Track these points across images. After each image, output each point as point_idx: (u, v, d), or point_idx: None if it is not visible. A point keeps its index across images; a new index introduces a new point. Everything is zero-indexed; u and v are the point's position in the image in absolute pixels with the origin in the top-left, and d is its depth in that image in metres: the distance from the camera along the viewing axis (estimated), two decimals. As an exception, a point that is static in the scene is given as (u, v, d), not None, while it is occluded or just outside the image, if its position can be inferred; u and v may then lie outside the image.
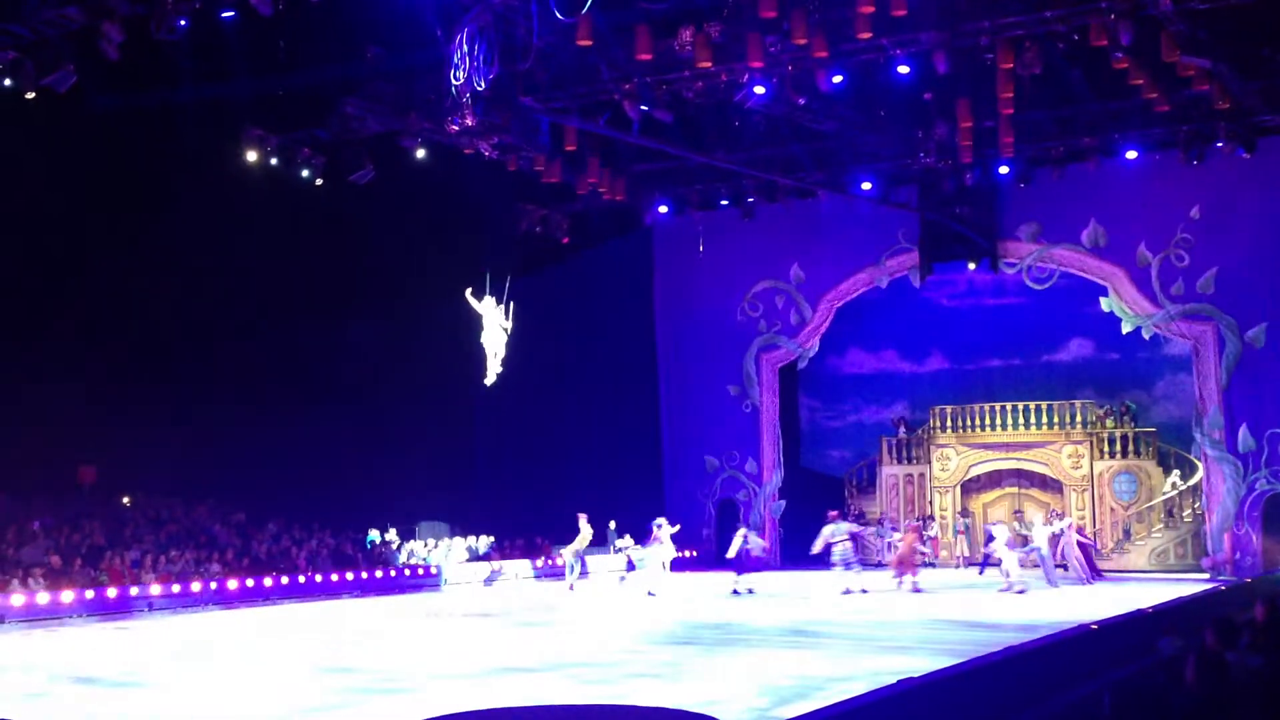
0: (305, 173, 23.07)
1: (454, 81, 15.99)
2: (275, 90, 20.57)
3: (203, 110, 21.04)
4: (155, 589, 20.61)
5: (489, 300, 20.11)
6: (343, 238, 26.36)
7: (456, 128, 20.33)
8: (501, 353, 20.11)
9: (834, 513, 23.26)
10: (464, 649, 15.08)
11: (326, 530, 25.90)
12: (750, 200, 27.95)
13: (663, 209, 28.92)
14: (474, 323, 32.99)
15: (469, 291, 20.13)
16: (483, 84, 15.88)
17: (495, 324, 20.10)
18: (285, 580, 22.43)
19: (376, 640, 16.43)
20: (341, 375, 28.65)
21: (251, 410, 26.78)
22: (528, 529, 29.34)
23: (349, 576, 23.54)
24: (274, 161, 22.72)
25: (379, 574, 24.19)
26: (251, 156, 22.43)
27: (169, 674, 13.30)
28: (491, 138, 21.73)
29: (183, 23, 17.24)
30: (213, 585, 21.38)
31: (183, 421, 25.44)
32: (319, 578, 23.05)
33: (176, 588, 20.87)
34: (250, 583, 21.87)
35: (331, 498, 26.97)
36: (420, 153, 22.71)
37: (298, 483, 26.88)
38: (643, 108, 20.75)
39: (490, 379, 20.16)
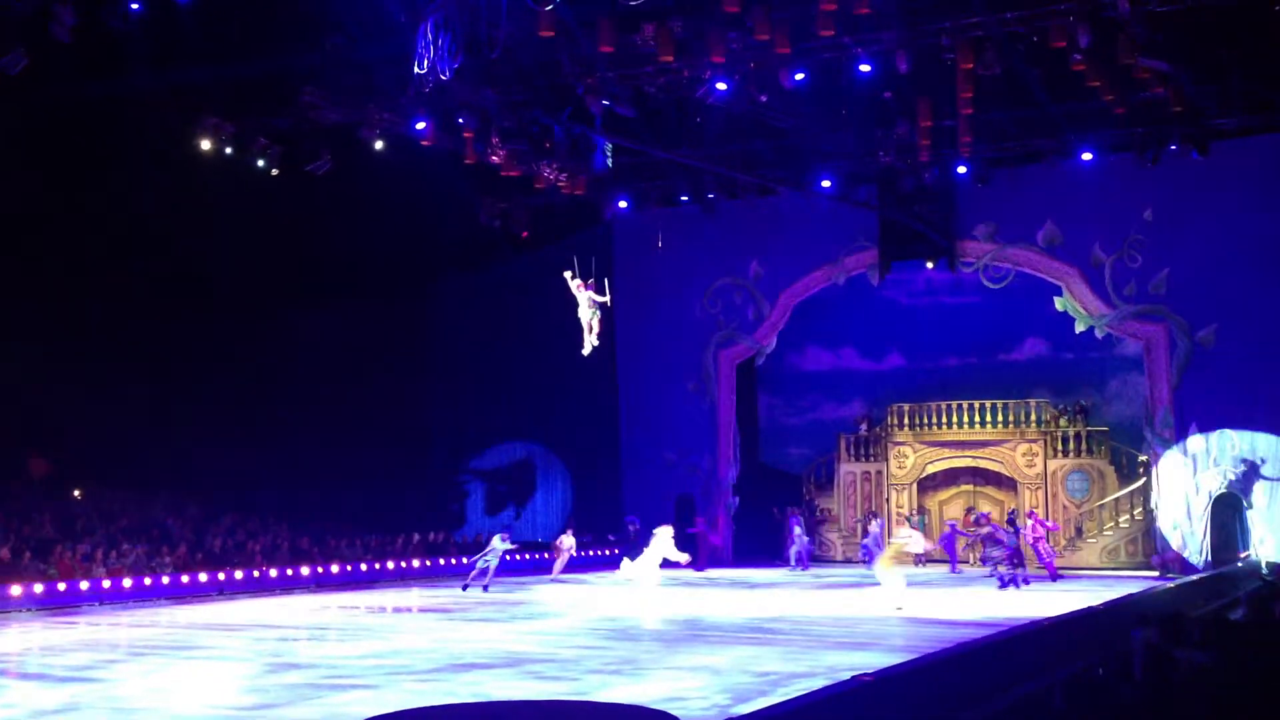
0: (261, 162, 22.82)
1: (418, 71, 15.88)
2: (232, 78, 20.32)
3: (158, 96, 20.73)
4: (106, 583, 20.32)
5: (577, 280, 21.05)
6: (300, 228, 26.11)
7: (496, 158, 21.17)
8: (597, 327, 21.16)
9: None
10: (420, 644, 14.98)
11: (283, 524, 25.65)
12: (711, 197, 27.96)
13: (623, 204, 28.88)
14: (432, 314, 33.07)
15: (567, 273, 20.96)
16: (446, 74, 15.78)
17: (588, 300, 21.04)
18: (239, 575, 22.18)
19: (331, 636, 16.29)
20: (298, 367, 28.41)
21: (207, 403, 26.49)
22: (489, 530, 29.28)
23: (305, 571, 23.31)
24: (229, 150, 22.46)
25: (335, 569, 23.99)
26: (206, 145, 22.16)
27: (119, 669, 13.11)
28: (552, 162, 21.89)
29: (135, 6, 16.97)
30: (165, 580, 21.11)
31: (136, 414, 25.09)
32: (274, 573, 22.81)
33: (128, 582, 20.58)
34: (204, 577, 21.61)
35: (289, 491, 26.73)
36: (379, 144, 22.53)
37: (254, 476, 26.63)
38: (605, 102, 20.70)
39: (586, 350, 21.24)
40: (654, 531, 19.96)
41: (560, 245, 31.12)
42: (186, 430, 25.91)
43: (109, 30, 17.10)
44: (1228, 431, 24.86)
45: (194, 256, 25.33)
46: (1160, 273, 25.67)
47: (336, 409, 29.18)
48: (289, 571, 23.05)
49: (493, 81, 20.78)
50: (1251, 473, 24.69)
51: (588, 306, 20.94)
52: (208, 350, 26.66)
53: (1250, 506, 24.58)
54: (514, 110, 20.78)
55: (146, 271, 25.39)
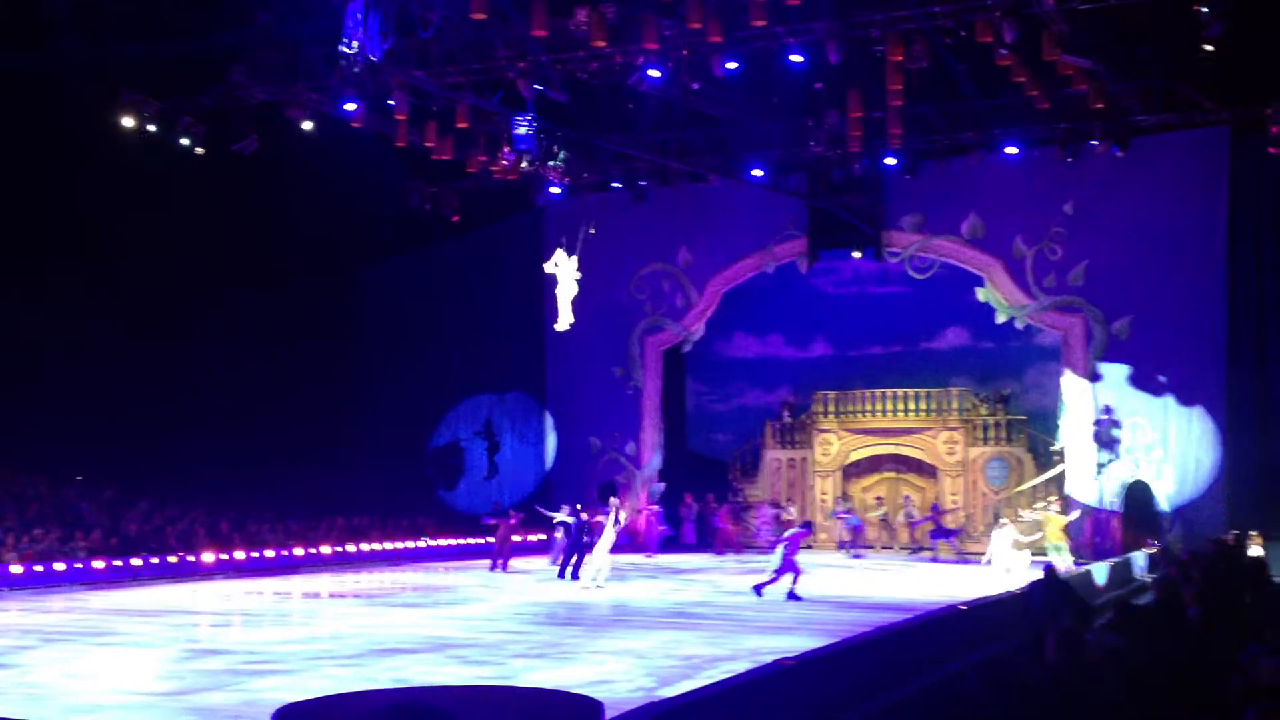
0: (186, 141, 22.35)
1: (347, 51, 15.67)
2: (156, 54, 19.85)
3: (79, 71, 20.21)
4: (17, 569, 19.82)
5: (561, 254, 21.87)
6: (226, 209, 25.64)
7: (507, 163, 21.59)
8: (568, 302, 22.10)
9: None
10: (341, 630, 14.86)
11: (201, 508, 25.21)
12: (642, 183, 27.99)
13: (554, 189, 28.76)
14: (360, 297, 32.71)
15: (560, 251, 21.87)
16: (377, 55, 15.61)
17: (569, 277, 21.92)
18: (156, 560, 21.76)
19: (250, 621, 16.09)
20: (221, 350, 27.93)
21: (124, 385, 25.94)
22: (414, 512, 29.07)
23: (224, 557, 22.94)
24: (153, 128, 21.97)
25: (255, 554, 23.64)
26: (129, 122, 21.64)
27: (33, 655, 12.83)
28: (558, 167, 21.96)
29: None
30: (78, 565, 20.65)
31: (49, 395, 24.49)
32: (192, 558, 22.42)
33: (39, 567, 20.10)
34: (118, 563, 21.17)
35: (208, 476, 26.27)
36: (307, 124, 22.19)
37: (172, 460, 26.13)
38: (537, 87, 20.60)
39: (562, 326, 22.12)
40: (1000, 523, 21.72)
41: (492, 229, 31.08)
42: (102, 413, 25.35)
43: (31, 2, 16.61)
44: (1139, 420, 25.52)
45: (114, 236, 24.76)
46: (1079, 265, 26.23)
47: (260, 392, 28.74)
48: (207, 557, 22.65)
49: (424, 63, 20.58)
50: (1108, 424, 25.51)
51: (569, 281, 21.71)
52: (126, 331, 26.09)
53: (1111, 453, 25.37)
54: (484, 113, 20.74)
55: (64, 250, 24.76)
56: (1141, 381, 25.53)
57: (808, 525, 21.26)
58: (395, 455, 31.31)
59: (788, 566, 18.15)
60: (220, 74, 21.02)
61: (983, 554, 24.88)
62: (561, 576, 21.17)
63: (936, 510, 27.44)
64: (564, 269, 21.85)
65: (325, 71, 20.29)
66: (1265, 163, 24.18)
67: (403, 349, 32.15)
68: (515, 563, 23.84)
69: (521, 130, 19.29)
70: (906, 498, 28.41)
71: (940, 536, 26.76)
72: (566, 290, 22.10)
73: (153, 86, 21.54)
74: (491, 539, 24.12)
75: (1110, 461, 25.65)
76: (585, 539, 21.18)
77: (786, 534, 19.27)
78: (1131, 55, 21.25)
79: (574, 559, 21.27)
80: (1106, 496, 25.70)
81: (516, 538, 23.49)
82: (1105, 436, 25.73)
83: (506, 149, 21.25)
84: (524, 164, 21.24)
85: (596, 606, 17.71)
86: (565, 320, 22.05)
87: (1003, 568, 21.66)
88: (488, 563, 23.82)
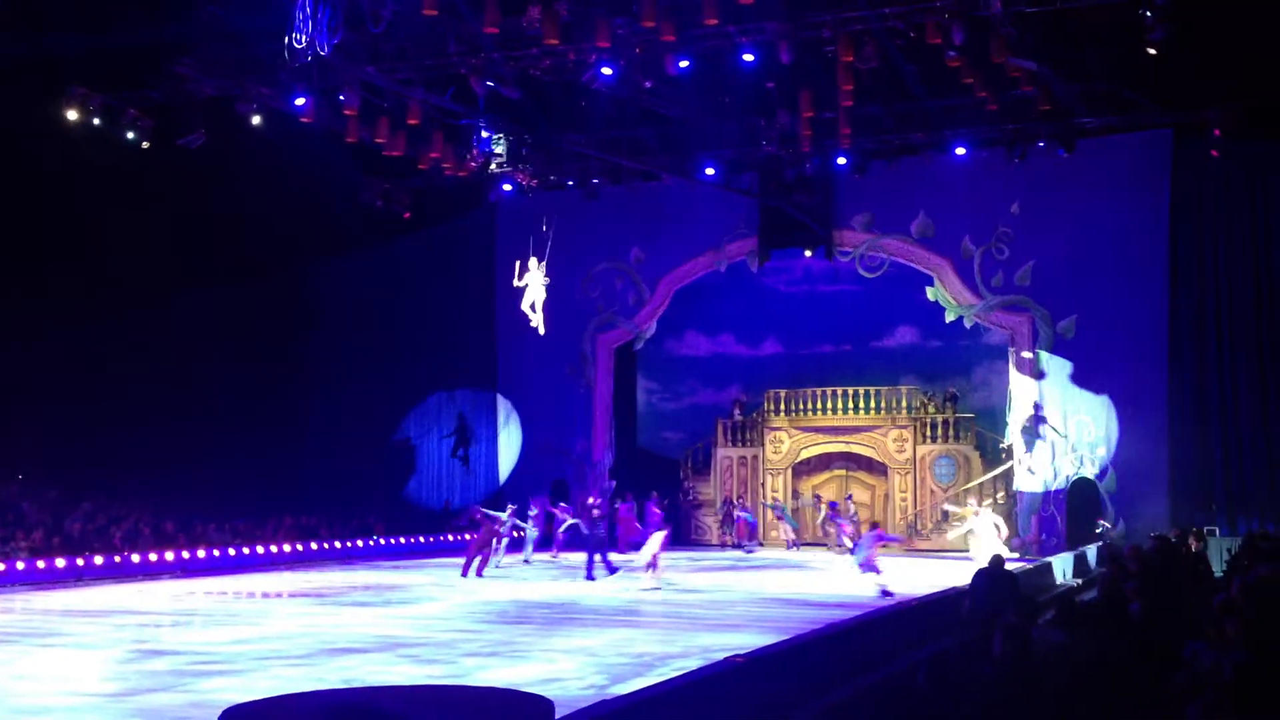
0: (131, 134, 22.02)
1: (295, 46, 15.53)
2: (101, 46, 19.54)
3: (21, 63, 19.85)
4: (-43, 569, 19.46)
5: (530, 262, 22.30)
6: (174, 204, 25.29)
7: (475, 165, 21.77)
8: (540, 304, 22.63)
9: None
10: (291, 629, 14.73)
11: (146, 508, 24.87)
12: (595, 181, 27.99)
13: (507, 187, 28.68)
14: (310, 295, 32.40)
15: (534, 259, 22.28)
16: (325, 50, 15.48)
17: (538, 283, 22.36)
18: (100, 560, 21.42)
19: (197, 622, 15.90)
20: (168, 347, 27.56)
21: (67, 382, 25.54)
22: (363, 513, 28.85)
23: (169, 556, 22.63)
24: (97, 121, 21.62)
25: (202, 554, 23.36)
26: (73, 115, 21.28)
27: (-28, 658, 12.59)
28: (527, 167, 21.91)
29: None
30: (20, 565, 20.29)
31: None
32: (136, 558, 22.10)
33: (-19, 567, 19.76)
34: (61, 563, 20.82)
35: (153, 474, 25.93)
36: (256, 119, 21.95)
37: (116, 458, 25.78)
38: (489, 84, 20.54)
39: (538, 327, 22.71)
40: (977, 511, 21.26)
41: (445, 227, 30.91)
42: (44, 411, 24.94)
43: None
44: (1084, 418, 25.92)
45: (58, 233, 24.36)
46: (1025, 264, 26.59)
47: (207, 389, 28.40)
48: (152, 556, 22.32)
49: (375, 59, 20.45)
50: (1040, 422, 25.95)
51: (538, 287, 22.13)
52: (69, 328, 25.68)
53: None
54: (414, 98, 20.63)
55: (8, 246, 24.31)
56: (1086, 379, 25.94)
57: (875, 526, 20.69)
58: (346, 453, 31.05)
59: (867, 568, 18.27)
60: (166, 67, 20.73)
61: (935, 550, 25.18)
62: (590, 577, 20.97)
63: (833, 507, 27.69)
64: (533, 276, 22.17)
65: (275, 65, 20.07)
66: (1207, 165, 24.67)
67: (354, 346, 31.92)
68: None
69: (486, 133, 19.45)
70: (849, 496, 28.58)
71: (834, 520, 26.90)
72: (537, 295, 22.47)
73: (98, 80, 21.21)
74: (471, 535, 23.52)
75: (1053, 458, 26.04)
76: (599, 535, 21.55)
77: (866, 538, 19.16)
78: (1077, 58, 21.58)
79: (593, 559, 21.28)
80: (1051, 493, 26.06)
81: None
82: (1040, 433, 26.13)
83: (476, 151, 21.29)
84: (493, 166, 21.30)
85: (548, 605, 17.69)
86: (537, 322, 22.49)
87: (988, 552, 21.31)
88: (443, 560, 23.67)
